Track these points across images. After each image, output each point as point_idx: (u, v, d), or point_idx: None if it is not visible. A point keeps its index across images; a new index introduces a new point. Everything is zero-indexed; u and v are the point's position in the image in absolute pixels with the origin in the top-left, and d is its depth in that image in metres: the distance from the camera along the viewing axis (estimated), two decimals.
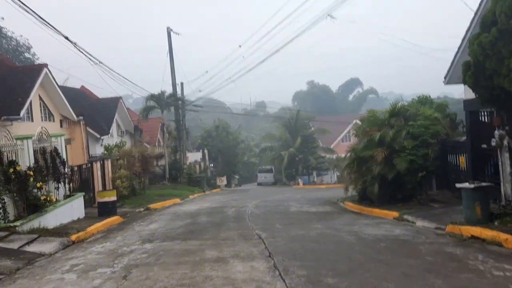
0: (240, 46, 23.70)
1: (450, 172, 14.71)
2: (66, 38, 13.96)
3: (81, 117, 23.76)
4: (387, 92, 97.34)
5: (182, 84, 34.72)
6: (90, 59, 17.52)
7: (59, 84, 29.44)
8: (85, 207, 16.11)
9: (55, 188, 13.36)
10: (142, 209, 17.90)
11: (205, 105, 55.35)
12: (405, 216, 12.34)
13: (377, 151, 15.06)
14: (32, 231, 10.43)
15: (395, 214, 13.09)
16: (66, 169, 14.16)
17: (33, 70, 20.63)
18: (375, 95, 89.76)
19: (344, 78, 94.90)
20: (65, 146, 23.33)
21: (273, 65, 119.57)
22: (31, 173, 11.32)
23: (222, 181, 42.65)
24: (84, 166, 17.43)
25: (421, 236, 9.15)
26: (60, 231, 10.89)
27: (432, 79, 16.06)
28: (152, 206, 19.04)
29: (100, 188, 17.96)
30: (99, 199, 15.17)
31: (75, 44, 14.71)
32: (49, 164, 12.95)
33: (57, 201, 12.88)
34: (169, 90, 33.55)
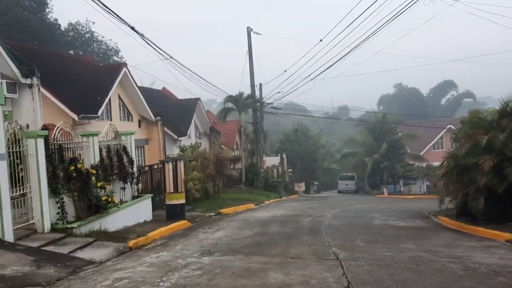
0: (321, 40, 21.95)
1: None
2: (132, 28, 13.44)
3: (158, 118, 23.66)
4: (484, 96, 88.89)
5: (260, 85, 33.81)
6: (159, 53, 16.98)
7: (141, 86, 30.24)
8: (155, 209, 15.53)
9: (121, 189, 12.78)
10: (212, 214, 16.97)
11: (285, 108, 54.22)
12: None
13: (483, 158, 12.55)
14: (90, 234, 9.75)
15: (508, 235, 10.62)
16: (134, 169, 13.58)
17: (113, 69, 20.80)
18: (472, 99, 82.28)
19: (436, 81, 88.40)
20: (143, 146, 23.57)
21: (356, 66, 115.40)
22: (94, 171, 10.72)
23: (300, 187, 41.04)
24: (155, 167, 16.92)
25: None
26: (119, 236, 10.11)
27: None
28: (223, 210, 18.05)
29: (172, 190, 17.30)
30: (168, 202, 14.44)
31: (142, 35, 14.18)
32: (114, 163, 12.39)
33: (122, 202, 12.26)
34: (247, 92, 32.81)
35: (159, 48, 17.02)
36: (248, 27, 33.30)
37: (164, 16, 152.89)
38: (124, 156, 13.28)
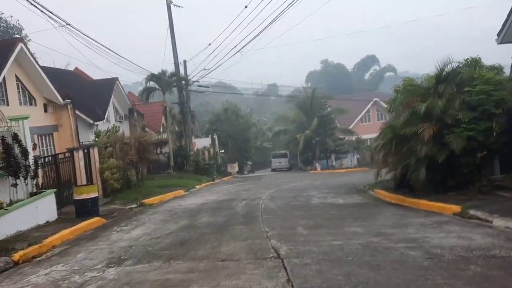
0: (246, 7, 20.30)
1: None
2: None
3: (68, 100, 20.81)
4: (403, 71, 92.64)
5: (184, 62, 31.50)
6: (50, 17, 14.34)
7: (48, 66, 26.77)
8: (63, 206, 13.27)
9: (12, 186, 10.43)
10: (134, 206, 14.98)
11: (214, 87, 52.18)
12: (472, 212, 9.12)
13: (423, 126, 11.77)
14: None
15: (455, 208, 9.87)
16: (29, 160, 11.20)
17: (6, 46, 17.64)
18: (393, 73, 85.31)
19: (359, 56, 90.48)
20: (51, 134, 20.66)
21: (284, 42, 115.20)
22: None
23: (234, 168, 39.70)
24: (61, 156, 14.49)
25: None
26: (3, 246, 7.94)
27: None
28: (147, 201, 16.10)
29: (84, 182, 15.05)
30: (76, 196, 12.24)
31: None
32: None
33: (12, 202, 9.95)
34: (171, 70, 30.41)
35: (51, 13, 14.34)
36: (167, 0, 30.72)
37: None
38: (16, 146, 10.87)
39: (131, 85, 49.32)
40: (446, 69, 12.76)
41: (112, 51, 20.62)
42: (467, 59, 14.19)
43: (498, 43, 15.48)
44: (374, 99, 51.48)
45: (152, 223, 10.97)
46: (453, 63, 13.09)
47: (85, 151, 15.92)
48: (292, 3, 17.08)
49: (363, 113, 50.65)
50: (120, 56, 21.91)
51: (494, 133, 11.50)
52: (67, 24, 15.54)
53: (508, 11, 13.68)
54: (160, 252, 7.29)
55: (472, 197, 10.97)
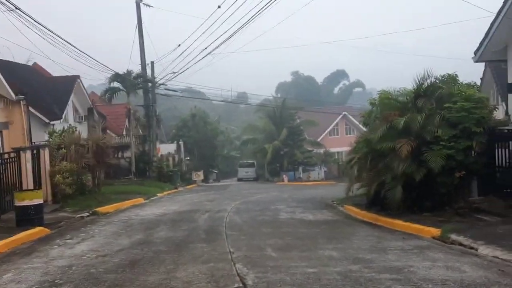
0: (219, 7, 19.39)
1: (500, 171, 10.90)
2: None
3: (21, 96, 19.08)
4: (370, 87, 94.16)
5: (152, 63, 30.13)
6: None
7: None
8: (3, 212, 11.86)
9: None
10: (86, 214, 13.64)
11: (183, 92, 50.80)
12: (453, 236, 8.46)
13: (400, 142, 11.14)
14: None
15: (434, 231, 9.24)
16: None
17: None
18: (362, 88, 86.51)
19: (329, 70, 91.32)
20: (0, 132, 18.93)
21: (256, 47, 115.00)
22: None
23: (199, 176, 38.41)
24: (6, 156, 12.99)
25: None
26: None
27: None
28: (102, 209, 14.77)
29: (31, 186, 13.58)
30: (18, 203, 10.84)
31: None
32: None
33: None
34: (137, 70, 29.03)
35: None
36: None
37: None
38: None
39: (96, 86, 47.29)
40: (424, 84, 12.24)
41: (70, 44, 19.19)
42: (444, 75, 13.74)
43: (475, 61, 15.24)
44: (343, 113, 51.58)
45: (102, 236, 9.75)
46: (431, 78, 12.61)
47: (34, 152, 14.45)
48: (269, 4, 16.25)
49: (332, 126, 50.56)
50: (79, 50, 20.40)
51: (474, 153, 11.04)
52: (16, 8, 14.12)
53: (487, 29, 13.38)
54: (104, 276, 6.16)
55: (449, 219, 10.40)
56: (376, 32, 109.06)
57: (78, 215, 13.24)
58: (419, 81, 12.30)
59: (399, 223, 10.65)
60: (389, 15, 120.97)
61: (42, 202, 11.28)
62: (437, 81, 12.39)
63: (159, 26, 79.05)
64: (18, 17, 15.00)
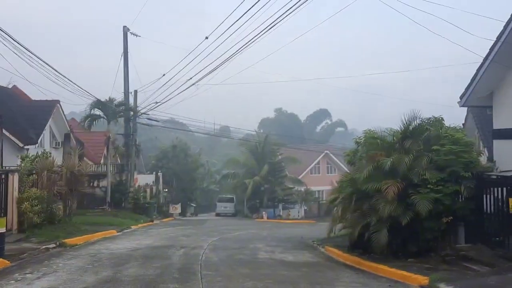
0: (207, 37, 19.30)
1: (488, 218, 10.59)
2: None
3: None
4: (352, 128, 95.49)
5: (135, 92, 29.72)
6: None
7: None
8: None
9: None
10: (52, 246, 12.75)
11: (165, 123, 50.26)
12: (443, 286, 8.00)
13: (387, 183, 10.82)
14: None
15: (422, 279, 8.78)
16: None
17: None
18: (344, 128, 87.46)
19: (312, 109, 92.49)
20: None
21: (240, 88, 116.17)
22: None
23: (176, 209, 37.39)
24: None
25: None
26: None
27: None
28: (70, 240, 13.88)
29: None
30: None
31: None
32: None
33: None
34: (120, 98, 28.56)
35: None
36: (124, 27, 29.41)
37: (39, 18, 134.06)
38: None
39: (78, 113, 46.40)
40: (412, 125, 12.08)
41: (50, 66, 18.61)
42: (430, 118, 13.63)
43: (460, 106, 15.27)
44: (325, 151, 51.66)
45: (66, 272, 8.95)
46: (418, 120, 12.47)
47: (2, 177, 13.60)
48: (256, 38, 16.17)
49: (313, 164, 50.41)
50: (59, 73, 19.77)
51: (462, 198, 10.76)
52: None
53: (473, 74, 13.47)
54: None
55: (435, 266, 10.03)
56: (360, 73, 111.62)
57: (43, 246, 12.34)
58: (406, 122, 12.14)
59: (384, 269, 10.15)
60: (371, 58, 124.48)
61: (4, 231, 10.43)
62: (424, 123, 12.23)
63: (144, 55, 79.27)
64: None
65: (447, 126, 13.22)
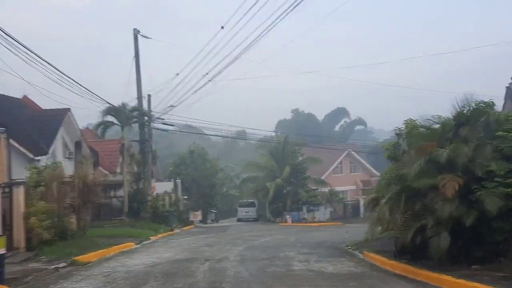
0: (222, 27, 17.97)
1: None
2: None
3: (1, 129, 17.23)
4: (370, 126, 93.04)
5: (149, 96, 28.51)
6: None
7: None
8: None
9: None
10: (63, 265, 11.40)
11: (180, 129, 49.16)
12: None
13: (444, 179, 9.16)
14: None
15: None
16: None
17: None
18: (363, 126, 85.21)
19: (330, 108, 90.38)
20: None
21: (256, 91, 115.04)
22: None
23: (196, 216, 36.11)
24: None
25: None
26: None
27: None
28: (83, 257, 12.53)
29: None
30: None
31: None
32: None
33: None
34: (133, 104, 27.38)
35: None
36: (134, 29, 28.21)
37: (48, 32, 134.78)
38: None
39: (94, 123, 45.56)
40: (469, 108, 10.40)
41: (61, 72, 17.41)
42: (479, 102, 11.84)
43: None
44: (348, 150, 49.81)
45: None
46: (472, 104, 10.75)
47: (6, 190, 12.39)
48: (273, 24, 14.77)
49: (336, 163, 48.53)
50: (70, 78, 18.59)
51: None
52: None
53: None
54: None
55: (510, 274, 8.33)
56: (377, 71, 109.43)
57: (52, 266, 11.01)
58: (459, 107, 10.48)
59: (449, 280, 8.50)
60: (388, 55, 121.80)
61: (4, 252, 9.10)
62: (481, 107, 10.52)
63: (156, 58, 78.52)
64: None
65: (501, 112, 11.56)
